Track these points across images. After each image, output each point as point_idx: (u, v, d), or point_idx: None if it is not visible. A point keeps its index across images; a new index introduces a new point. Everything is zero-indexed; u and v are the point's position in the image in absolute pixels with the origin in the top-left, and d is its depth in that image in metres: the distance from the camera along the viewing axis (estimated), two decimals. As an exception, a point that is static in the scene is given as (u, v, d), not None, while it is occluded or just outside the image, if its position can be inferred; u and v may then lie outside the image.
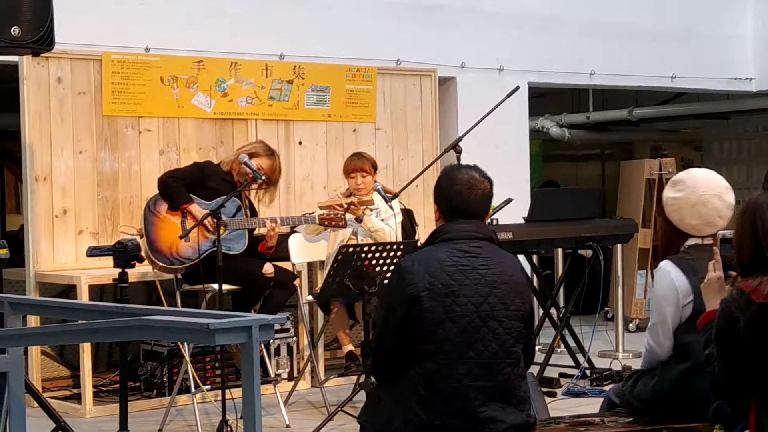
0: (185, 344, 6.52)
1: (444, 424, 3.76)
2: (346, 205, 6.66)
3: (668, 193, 4.08)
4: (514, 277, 3.91)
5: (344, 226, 6.70)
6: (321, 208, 6.80)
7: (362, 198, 6.76)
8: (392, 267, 6.10)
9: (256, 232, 6.78)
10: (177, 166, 7.17)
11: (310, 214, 6.79)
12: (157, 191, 6.59)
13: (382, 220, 6.83)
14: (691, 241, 4.01)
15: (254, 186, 6.65)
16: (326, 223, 6.65)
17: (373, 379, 5.92)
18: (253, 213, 6.80)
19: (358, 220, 6.74)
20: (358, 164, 6.89)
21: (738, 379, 3.26)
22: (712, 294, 3.54)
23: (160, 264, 6.39)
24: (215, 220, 6.05)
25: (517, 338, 3.86)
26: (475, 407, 3.76)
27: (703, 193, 4.00)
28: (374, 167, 6.96)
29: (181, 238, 6.33)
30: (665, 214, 4.07)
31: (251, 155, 6.58)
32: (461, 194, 3.92)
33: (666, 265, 3.96)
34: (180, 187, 6.52)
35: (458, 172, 4.00)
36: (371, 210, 6.82)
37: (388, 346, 3.89)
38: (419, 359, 3.79)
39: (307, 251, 7.16)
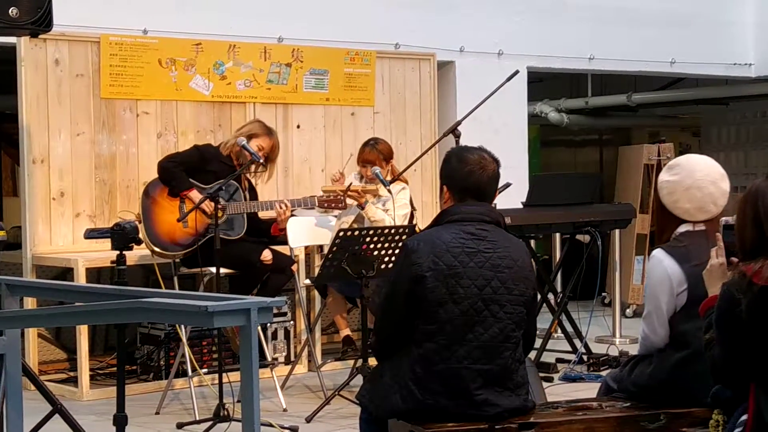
0: (182, 328, 6.52)
1: (437, 403, 3.77)
2: (348, 191, 6.65)
3: (663, 176, 4.06)
4: (519, 262, 3.90)
5: (344, 208, 6.70)
6: (324, 191, 6.78)
7: (367, 186, 6.74)
8: (390, 252, 6.11)
9: (262, 215, 6.77)
10: (175, 149, 7.16)
11: (311, 197, 6.77)
12: (156, 175, 6.58)
13: (386, 210, 6.82)
14: (682, 228, 3.99)
15: (252, 168, 6.64)
16: (325, 205, 6.65)
17: (370, 362, 5.96)
18: (253, 196, 6.78)
19: (360, 207, 6.73)
20: (367, 156, 6.88)
21: (738, 362, 3.26)
22: (714, 280, 3.52)
23: (159, 249, 6.38)
24: (213, 204, 6.04)
25: (518, 323, 3.87)
26: (472, 389, 3.77)
27: (699, 178, 3.97)
28: (386, 158, 6.92)
29: (178, 221, 6.33)
30: (659, 198, 4.05)
31: (250, 136, 6.57)
32: (474, 174, 3.90)
33: (658, 254, 3.94)
34: (180, 172, 6.51)
35: (469, 152, 3.98)
36: (381, 197, 6.80)
37: (390, 324, 3.90)
38: (420, 339, 3.80)
39: (305, 236, 7.15)
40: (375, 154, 6.88)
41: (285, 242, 6.96)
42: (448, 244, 3.81)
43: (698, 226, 3.96)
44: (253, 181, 6.89)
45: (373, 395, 3.92)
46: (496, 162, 3.98)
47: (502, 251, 3.87)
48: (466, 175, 3.91)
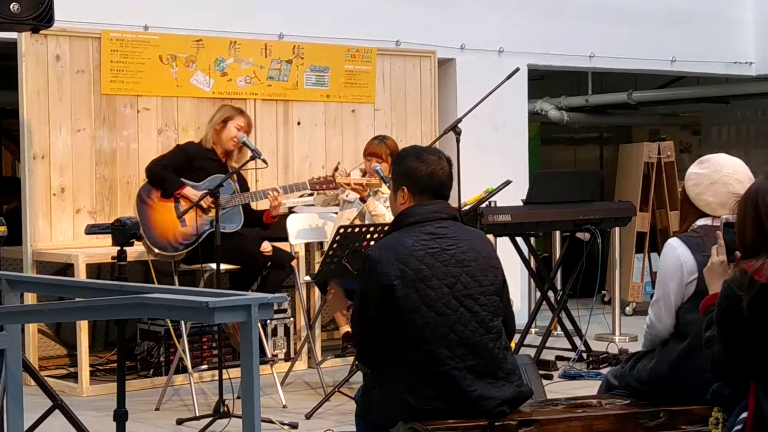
0: (182, 324, 6.52)
1: (435, 408, 3.76)
2: (352, 184, 6.66)
3: (693, 168, 4.14)
4: (483, 253, 3.91)
5: (335, 188, 6.69)
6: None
7: (371, 180, 6.74)
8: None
9: (255, 206, 6.77)
10: (175, 145, 7.15)
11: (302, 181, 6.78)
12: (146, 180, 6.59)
13: (387, 208, 6.82)
14: (701, 221, 4.04)
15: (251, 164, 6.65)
16: (317, 186, 6.65)
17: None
18: (244, 187, 6.78)
19: (362, 200, 6.73)
20: (374, 149, 6.87)
21: (738, 359, 3.26)
22: (714, 278, 3.53)
23: (160, 251, 6.38)
24: (210, 199, 6.05)
25: (495, 312, 3.87)
26: (465, 387, 3.77)
27: (726, 174, 4.05)
28: (393, 155, 6.90)
29: (178, 218, 6.34)
30: (685, 189, 4.10)
31: (226, 120, 6.59)
32: (437, 174, 3.92)
33: (673, 242, 3.99)
34: (169, 173, 6.51)
35: (427, 152, 4.00)
36: (383, 195, 6.79)
37: (368, 337, 3.88)
38: (403, 348, 3.78)
39: (305, 232, 7.15)
40: (382, 148, 6.86)
41: (285, 238, 6.96)
42: (410, 248, 3.80)
43: (716, 222, 3.99)
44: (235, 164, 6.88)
45: (370, 408, 3.91)
46: (449, 161, 4.00)
47: (464, 245, 3.87)
48: (430, 175, 3.91)
